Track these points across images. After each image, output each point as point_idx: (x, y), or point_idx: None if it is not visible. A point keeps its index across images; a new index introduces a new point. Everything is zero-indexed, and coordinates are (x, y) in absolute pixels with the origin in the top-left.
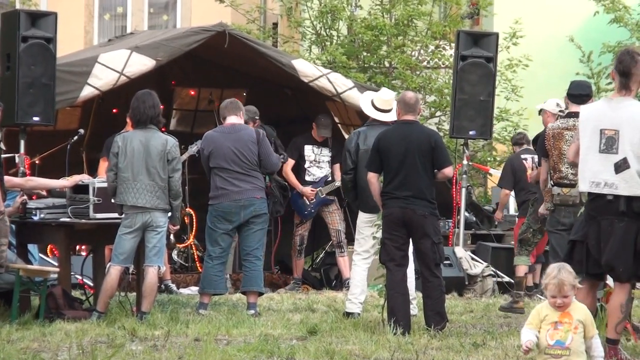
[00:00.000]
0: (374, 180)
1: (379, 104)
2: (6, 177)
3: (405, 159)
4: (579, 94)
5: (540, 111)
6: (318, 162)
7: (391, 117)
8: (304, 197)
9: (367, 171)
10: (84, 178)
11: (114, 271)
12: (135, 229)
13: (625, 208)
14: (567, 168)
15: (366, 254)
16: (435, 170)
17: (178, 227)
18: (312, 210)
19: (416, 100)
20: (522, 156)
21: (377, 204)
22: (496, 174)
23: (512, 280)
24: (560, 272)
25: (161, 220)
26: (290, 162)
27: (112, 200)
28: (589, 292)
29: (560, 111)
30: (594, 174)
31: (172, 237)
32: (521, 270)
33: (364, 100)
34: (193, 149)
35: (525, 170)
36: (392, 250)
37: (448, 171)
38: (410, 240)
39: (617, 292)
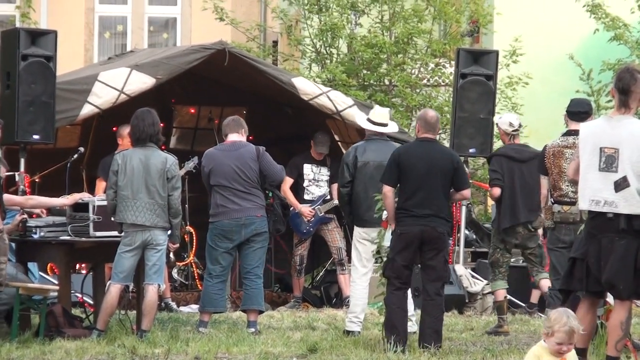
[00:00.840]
0: (390, 194)
1: (376, 117)
2: (6, 196)
3: (427, 177)
4: (578, 111)
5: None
6: (317, 180)
7: (388, 130)
8: (302, 216)
9: (382, 184)
10: (84, 196)
11: (113, 289)
12: (134, 247)
13: (625, 226)
14: (567, 186)
15: (364, 269)
16: (452, 190)
17: (178, 245)
18: (311, 229)
19: (437, 119)
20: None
21: (372, 219)
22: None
23: (512, 298)
24: (570, 320)
25: (161, 238)
26: (289, 181)
27: (112, 219)
28: (589, 309)
29: (513, 130)
30: (594, 192)
31: (172, 255)
32: (500, 294)
33: (360, 117)
34: (189, 165)
35: None
36: (400, 268)
37: (467, 193)
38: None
39: (617, 309)
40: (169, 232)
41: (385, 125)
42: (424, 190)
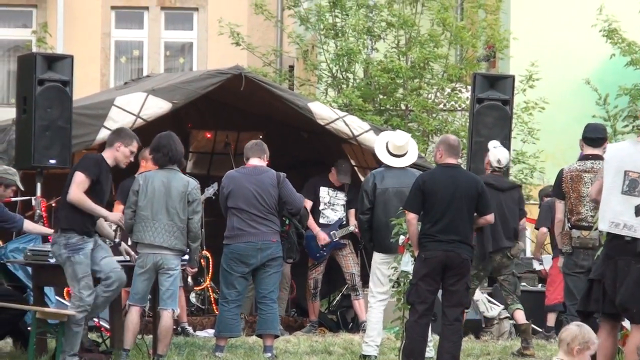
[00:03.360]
0: (414, 221)
1: (393, 149)
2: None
3: (452, 202)
4: (595, 137)
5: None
6: (333, 204)
7: (405, 162)
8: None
9: (406, 211)
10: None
11: (133, 310)
12: (146, 269)
13: None
14: (586, 210)
15: (382, 295)
16: (475, 215)
17: (196, 269)
18: (324, 253)
19: (459, 143)
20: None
21: (392, 245)
22: None
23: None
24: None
25: (173, 262)
26: (308, 203)
27: (129, 238)
28: (609, 334)
29: (498, 168)
30: (615, 215)
31: (189, 279)
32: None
33: (378, 144)
34: (210, 191)
35: None
36: (425, 292)
37: (490, 217)
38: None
39: (633, 334)
40: (186, 256)
41: (402, 155)
42: (449, 216)
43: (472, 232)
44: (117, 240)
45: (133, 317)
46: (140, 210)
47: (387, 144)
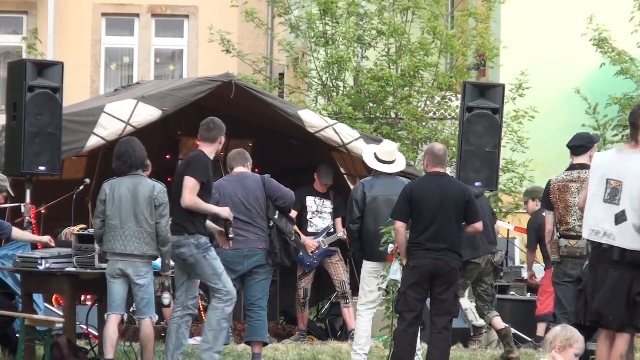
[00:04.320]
0: (402, 230)
1: (382, 155)
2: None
3: (440, 211)
4: (574, 146)
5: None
6: (320, 213)
7: (395, 168)
8: (306, 249)
9: (395, 220)
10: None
11: (112, 318)
12: (115, 275)
13: (619, 258)
14: (574, 220)
15: (371, 304)
16: (464, 224)
17: (169, 273)
18: (315, 262)
19: (445, 152)
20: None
21: (382, 253)
22: (502, 225)
23: (519, 333)
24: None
25: (142, 270)
26: (294, 214)
27: (99, 248)
28: (606, 340)
29: None
30: (596, 223)
31: (167, 282)
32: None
33: (366, 153)
34: None
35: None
36: (414, 301)
37: (479, 226)
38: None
39: (617, 342)
40: (157, 260)
41: (391, 162)
42: (437, 224)
43: (461, 241)
44: (231, 235)
45: (111, 326)
46: (109, 220)
47: (375, 153)
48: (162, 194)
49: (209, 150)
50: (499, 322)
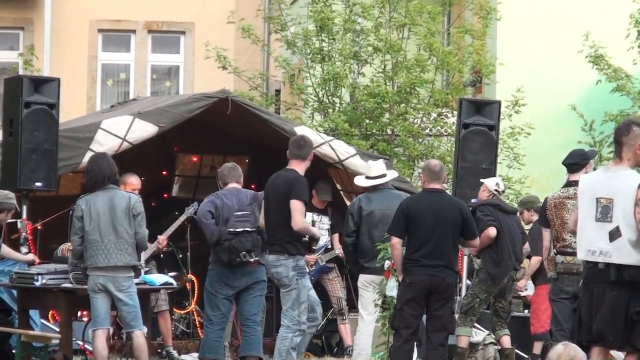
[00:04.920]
0: (398, 246)
1: (372, 172)
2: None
3: (436, 228)
4: (570, 162)
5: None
6: (318, 229)
7: (387, 179)
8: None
9: (391, 235)
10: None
11: (98, 333)
12: (97, 290)
13: (615, 277)
14: (570, 237)
15: (369, 317)
16: (462, 240)
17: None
18: (312, 278)
19: (441, 168)
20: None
21: (376, 267)
22: None
23: (516, 350)
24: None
25: (124, 284)
26: None
27: (80, 264)
28: (599, 355)
29: (496, 190)
30: (591, 243)
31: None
32: (464, 341)
33: (358, 179)
34: (190, 210)
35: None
36: (409, 318)
37: (476, 242)
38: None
39: None
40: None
41: (383, 175)
42: (433, 241)
43: (457, 257)
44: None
45: (99, 342)
46: (89, 235)
47: (365, 176)
48: (138, 203)
49: (300, 168)
50: (507, 341)
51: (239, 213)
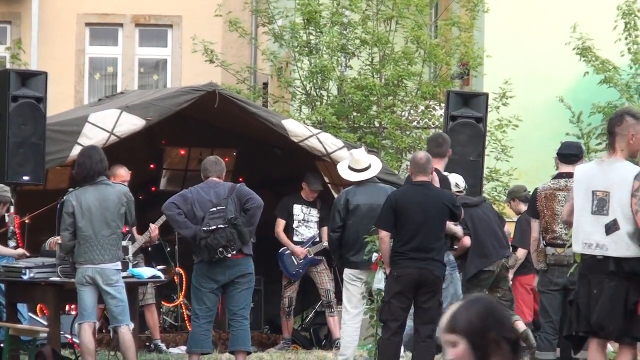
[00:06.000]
0: (386, 239)
1: (355, 164)
2: None
3: (424, 221)
4: (568, 154)
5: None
6: (306, 221)
7: (370, 173)
8: (293, 257)
9: (379, 229)
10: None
11: (84, 327)
12: (84, 283)
13: (614, 268)
14: (560, 228)
15: (355, 310)
16: (456, 242)
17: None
18: (301, 271)
19: (427, 160)
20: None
21: (362, 261)
22: None
23: None
24: None
25: (112, 278)
26: (281, 222)
27: (71, 260)
28: (598, 349)
29: (458, 191)
30: (587, 235)
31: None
32: None
33: (341, 168)
34: None
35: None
36: (398, 310)
37: (467, 241)
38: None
39: (622, 353)
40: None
41: (365, 169)
42: (421, 234)
43: (445, 250)
44: None
45: (86, 335)
46: (82, 231)
47: (348, 165)
48: (127, 193)
49: (441, 166)
50: (520, 325)
51: (214, 209)
